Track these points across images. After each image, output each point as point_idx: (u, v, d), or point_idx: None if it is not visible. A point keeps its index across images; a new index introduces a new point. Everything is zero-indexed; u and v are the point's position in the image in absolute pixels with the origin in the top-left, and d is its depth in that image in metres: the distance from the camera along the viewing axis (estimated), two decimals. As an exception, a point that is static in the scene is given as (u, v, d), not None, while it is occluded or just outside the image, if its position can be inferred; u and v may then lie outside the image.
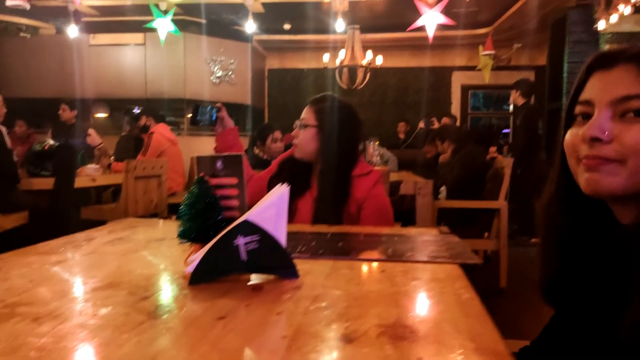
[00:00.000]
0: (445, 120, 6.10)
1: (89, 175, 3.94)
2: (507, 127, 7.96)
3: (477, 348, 0.51)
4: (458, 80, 7.65)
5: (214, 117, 1.56)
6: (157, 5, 5.60)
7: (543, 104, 5.76)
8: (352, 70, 6.38)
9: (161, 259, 0.90)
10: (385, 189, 2.38)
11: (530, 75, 7.23)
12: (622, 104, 0.60)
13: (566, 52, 5.05)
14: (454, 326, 0.57)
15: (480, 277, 3.32)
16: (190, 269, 0.73)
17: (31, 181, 3.48)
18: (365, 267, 0.84)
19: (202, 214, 0.78)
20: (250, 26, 5.61)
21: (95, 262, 0.87)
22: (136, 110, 6.04)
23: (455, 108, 7.63)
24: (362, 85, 6.41)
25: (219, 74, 6.71)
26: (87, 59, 6.53)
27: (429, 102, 7.67)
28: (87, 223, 3.23)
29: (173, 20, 5.67)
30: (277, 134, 3.58)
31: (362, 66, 6.24)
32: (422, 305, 0.65)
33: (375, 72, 7.34)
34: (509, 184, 3.14)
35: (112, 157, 4.85)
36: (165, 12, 5.63)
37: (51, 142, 3.98)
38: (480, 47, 6.50)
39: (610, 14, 3.96)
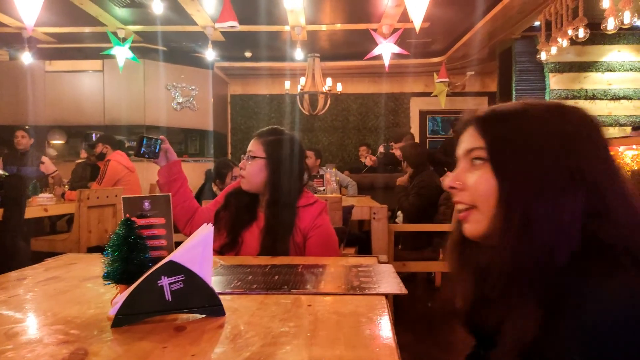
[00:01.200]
0: (405, 140, 6.21)
1: (41, 204, 3.82)
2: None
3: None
4: (416, 106, 7.91)
5: (157, 149, 1.54)
6: (115, 33, 5.58)
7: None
8: (313, 96, 6.51)
9: (92, 300, 0.90)
10: (339, 215, 2.42)
11: (484, 101, 7.57)
12: (469, 154, 0.73)
13: (514, 80, 5.34)
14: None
15: (440, 297, 3.39)
16: (113, 311, 0.74)
17: (-23, 213, 3.34)
18: (292, 302, 0.87)
19: (127, 255, 0.79)
20: (210, 54, 5.66)
21: (20, 304, 0.86)
22: (94, 137, 5.93)
23: (414, 132, 7.86)
24: (324, 110, 6.53)
25: (180, 100, 6.70)
26: (43, 85, 6.40)
27: (389, 126, 7.87)
28: (37, 255, 3.12)
29: (132, 48, 5.66)
30: (236, 171, 3.59)
31: (322, 93, 6.38)
32: (335, 341, 0.68)
33: (337, 98, 7.51)
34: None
35: (66, 186, 4.72)
36: (124, 40, 5.61)
37: (0, 171, 3.85)
38: (435, 75, 6.77)
39: (551, 46, 4.22)
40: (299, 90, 6.50)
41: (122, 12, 5.28)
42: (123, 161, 4.57)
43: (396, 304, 3.15)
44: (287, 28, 5.71)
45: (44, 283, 1.03)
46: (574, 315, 0.57)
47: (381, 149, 6.59)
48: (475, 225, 0.71)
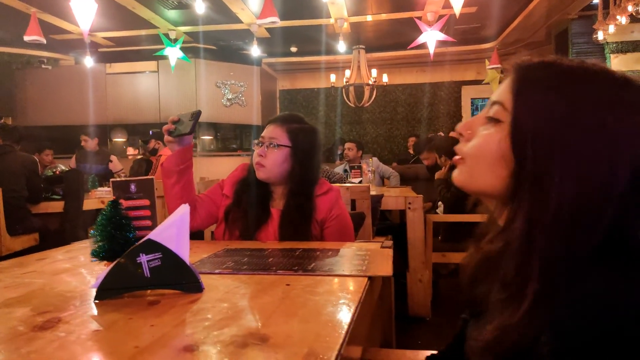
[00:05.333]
0: (440, 134, 6.08)
1: (99, 197, 4.10)
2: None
3: (310, 353, 0.55)
4: (468, 94, 7.64)
5: (194, 123, 1.32)
6: (166, 35, 5.84)
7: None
8: (359, 88, 6.47)
9: (91, 278, 0.96)
10: (367, 204, 2.41)
11: (541, 87, 7.16)
12: (491, 107, 0.64)
13: (570, 63, 5.00)
14: (303, 335, 0.61)
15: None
16: (94, 285, 0.79)
17: (42, 204, 3.65)
18: (272, 282, 0.88)
19: (112, 234, 0.84)
20: (255, 50, 5.78)
21: (26, 280, 0.94)
22: (151, 134, 6.28)
23: (466, 122, 7.60)
24: (369, 102, 6.48)
25: (230, 96, 6.90)
26: (104, 87, 6.83)
27: (439, 116, 7.67)
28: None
29: (183, 48, 5.90)
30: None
31: (368, 84, 6.33)
32: (291, 316, 0.69)
33: (384, 89, 7.42)
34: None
35: (126, 181, 5.03)
36: (175, 41, 5.86)
37: (61, 167, 4.17)
38: (487, 61, 6.50)
39: (608, 25, 3.92)
40: (344, 83, 6.49)
41: (172, 14, 5.51)
42: (174, 156, 4.78)
43: (436, 293, 3.09)
44: (331, 21, 5.71)
45: (57, 263, 1.12)
46: (559, 305, 0.51)
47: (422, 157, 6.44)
48: (459, 176, 0.66)
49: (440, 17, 5.25)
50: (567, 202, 0.53)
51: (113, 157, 5.39)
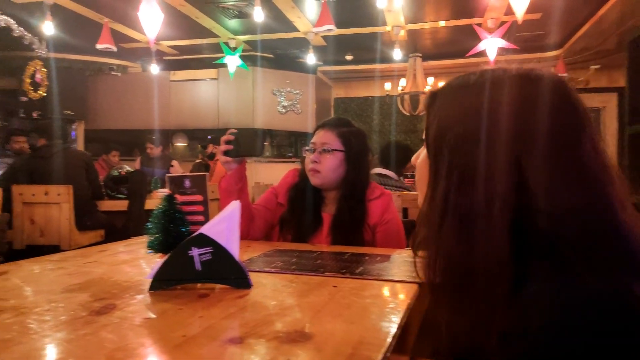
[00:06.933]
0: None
1: (159, 198, 4.29)
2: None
3: (353, 355, 0.54)
4: (530, 105, 7.31)
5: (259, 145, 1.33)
6: (227, 43, 6.04)
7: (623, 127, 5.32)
8: (414, 97, 6.39)
9: (147, 268, 1.00)
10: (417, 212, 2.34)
11: (612, 98, 6.75)
12: None
13: (645, 72, 4.68)
14: (348, 336, 0.59)
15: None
16: (149, 276, 0.82)
17: (108, 203, 3.87)
18: (319, 282, 0.88)
19: (166, 227, 0.86)
20: (311, 58, 5.86)
21: (87, 269, 0.99)
22: (209, 139, 6.51)
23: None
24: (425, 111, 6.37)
25: (285, 103, 7.02)
26: (168, 93, 7.16)
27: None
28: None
29: (242, 56, 6.08)
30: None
31: (424, 93, 6.23)
32: (336, 317, 0.68)
33: (440, 99, 7.26)
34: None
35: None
36: (234, 49, 6.06)
37: (127, 168, 4.41)
38: (553, 70, 6.20)
39: (690, 29, 3.62)
40: (399, 91, 6.43)
41: (232, 23, 5.71)
42: (230, 161, 4.94)
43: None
44: (387, 29, 5.69)
45: (118, 255, 1.17)
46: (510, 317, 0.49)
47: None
48: (419, 201, 0.70)
49: (502, 23, 5.09)
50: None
51: (174, 162, 5.64)
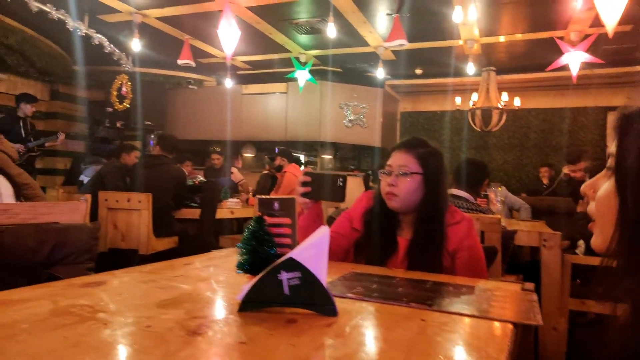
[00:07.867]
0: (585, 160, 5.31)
1: (229, 208, 4.43)
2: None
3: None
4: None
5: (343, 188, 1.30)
6: (297, 58, 6.18)
7: None
8: (486, 112, 6.16)
9: (233, 287, 1.02)
10: (496, 237, 2.24)
11: None
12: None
13: None
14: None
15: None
16: (239, 296, 0.83)
17: (182, 211, 4.05)
18: (406, 314, 0.85)
19: (255, 248, 0.88)
20: (380, 73, 5.83)
21: (176, 283, 1.03)
22: (276, 151, 6.67)
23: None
24: (497, 127, 6.12)
25: (351, 117, 7.04)
26: (240, 106, 7.43)
27: (578, 144, 6.94)
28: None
29: (311, 70, 6.19)
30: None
31: (497, 108, 5.98)
32: (432, 356, 0.64)
33: (514, 114, 6.95)
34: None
35: (251, 193, 5.40)
36: (304, 64, 6.17)
37: (200, 177, 4.60)
38: (643, 85, 5.74)
39: None
40: (470, 106, 6.22)
41: (303, 38, 5.83)
42: (297, 173, 5.01)
43: (572, 344, 2.74)
44: (460, 42, 5.55)
45: (201, 270, 1.21)
46: None
47: (566, 169, 5.85)
48: (594, 239, 0.62)
49: (586, 36, 4.79)
50: None
51: (233, 169, 5.79)
